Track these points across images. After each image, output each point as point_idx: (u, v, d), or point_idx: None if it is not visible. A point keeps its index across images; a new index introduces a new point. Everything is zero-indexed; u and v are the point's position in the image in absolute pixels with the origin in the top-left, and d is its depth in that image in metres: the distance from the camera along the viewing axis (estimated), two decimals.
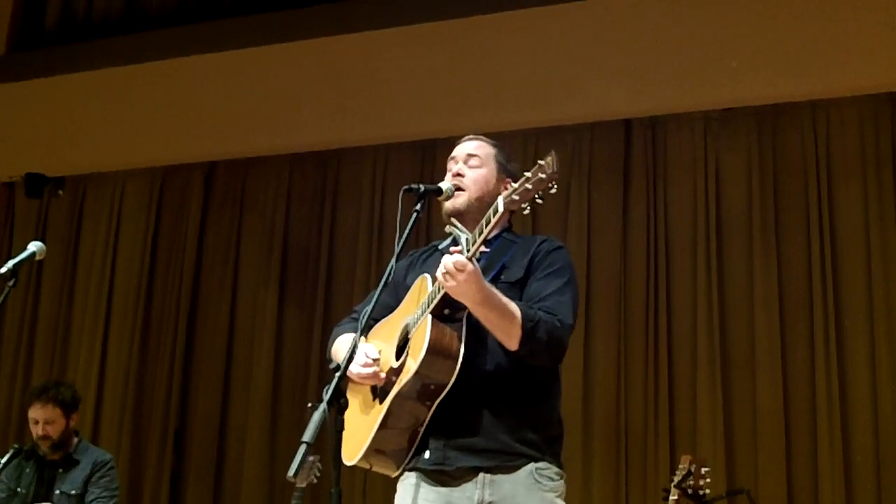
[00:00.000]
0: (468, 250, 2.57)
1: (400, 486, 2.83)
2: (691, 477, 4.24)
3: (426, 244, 3.14)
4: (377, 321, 2.98)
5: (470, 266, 2.54)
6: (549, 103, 5.84)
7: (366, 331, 2.94)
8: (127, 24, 7.12)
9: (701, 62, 5.54)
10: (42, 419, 4.84)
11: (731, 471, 5.21)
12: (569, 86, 5.78)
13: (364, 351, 2.77)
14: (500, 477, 2.69)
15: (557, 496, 2.74)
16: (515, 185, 2.51)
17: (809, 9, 5.36)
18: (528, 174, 2.50)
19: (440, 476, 2.73)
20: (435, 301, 2.64)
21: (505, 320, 2.63)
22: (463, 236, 2.65)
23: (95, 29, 7.23)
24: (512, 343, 2.64)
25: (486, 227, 2.55)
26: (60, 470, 4.89)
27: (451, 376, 2.62)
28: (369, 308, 2.68)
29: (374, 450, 2.75)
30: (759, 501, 4.94)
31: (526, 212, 2.50)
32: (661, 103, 5.72)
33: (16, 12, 7.38)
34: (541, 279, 2.79)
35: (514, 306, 2.64)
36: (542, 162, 2.49)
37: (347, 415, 2.56)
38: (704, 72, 5.54)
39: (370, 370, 2.75)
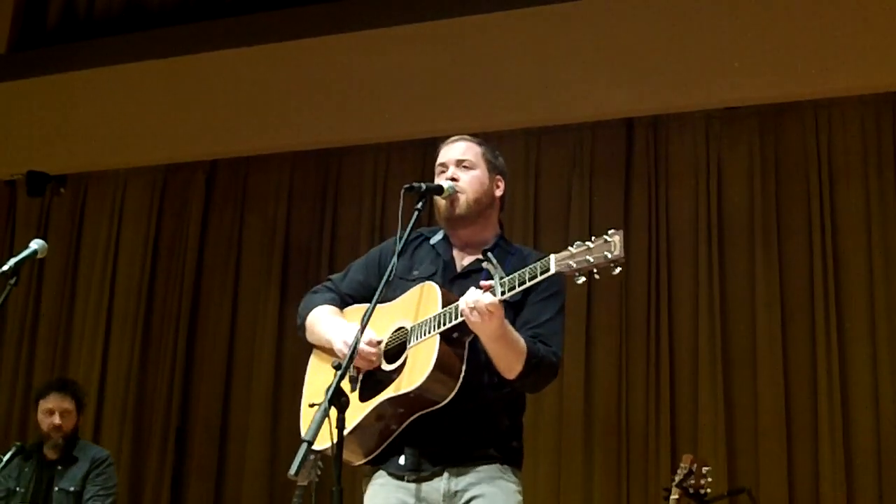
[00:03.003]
0: (502, 293, 2.55)
1: (370, 485, 2.87)
2: (692, 476, 4.25)
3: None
4: (353, 298, 2.98)
5: (499, 310, 2.54)
6: (551, 103, 5.83)
7: (344, 307, 2.99)
8: (128, 23, 7.12)
9: (703, 62, 5.53)
10: (59, 409, 4.89)
11: (732, 470, 5.21)
12: (570, 85, 5.78)
13: (369, 335, 2.75)
14: (465, 470, 2.75)
15: (518, 492, 2.80)
16: (573, 251, 2.45)
17: (811, 9, 5.35)
18: (590, 245, 2.43)
19: (410, 474, 2.78)
20: (449, 325, 2.64)
21: (511, 355, 2.66)
22: (496, 274, 2.58)
23: (97, 27, 7.23)
24: (510, 375, 2.69)
25: (528, 280, 2.51)
26: (59, 468, 4.90)
27: (449, 395, 2.65)
28: (371, 306, 2.66)
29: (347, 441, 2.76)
30: (760, 501, 4.94)
31: (580, 281, 2.44)
32: (663, 103, 5.72)
33: (17, 11, 7.37)
34: (537, 303, 2.81)
35: (522, 343, 2.67)
36: (609, 239, 2.42)
37: (315, 394, 2.63)
38: (706, 71, 5.53)
39: (372, 349, 2.75)
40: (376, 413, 2.73)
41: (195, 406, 6.51)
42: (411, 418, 2.71)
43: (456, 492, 2.74)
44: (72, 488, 4.84)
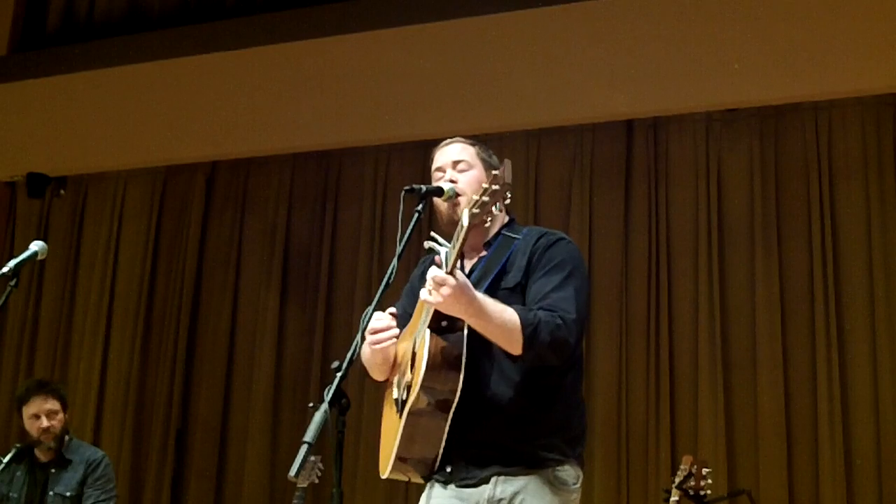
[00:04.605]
0: (447, 264, 2.52)
1: (425, 489, 2.84)
2: (692, 478, 4.26)
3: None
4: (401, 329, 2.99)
5: (451, 280, 2.48)
6: (551, 104, 5.83)
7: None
8: (128, 25, 7.12)
9: (703, 63, 5.53)
10: (44, 411, 4.76)
11: (732, 472, 5.21)
12: (570, 87, 5.78)
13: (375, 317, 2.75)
14: (512, 478, 2.69)
15: (565, 501, 2.72)
16: (475, 198, 2.45)
17: (811, 10, 5.36)
18: (484, 185, 2.45)
19: (458, 482, 2.74)
20: (429, 316, 2.63)
21: (504, 329, 2.59)
22: (443, 250, 2.61)
23: (97, 29, 7.23)
24: (515, 350, 2.62)
25: (458, 243, 2.49)
26: (53, 471, 4.79)
27: (457, 386, 2.60)
28: (371, 308, 2.66)
29: (400, 462, 2.75)
30: (760, 502, 4.94)
31: (487, 224, 2.47)
32: (663, 104, 5.72)
33: (18, 13, 7.39)
34: (540, 278, 2.74)
35: (510, 313, 2.60)
36: (496, 172, 2.44)
37: (382, 428, 2.73)
38: (706, 73, 5.53)
39: (379, 335, 2.74)
40: (409, 426, 2.68)
41: (195, 407, 6.51)
42: (448, 422, 2.65)
43: (500, 499, 2.67)
44: (68, 493, 4.72)
